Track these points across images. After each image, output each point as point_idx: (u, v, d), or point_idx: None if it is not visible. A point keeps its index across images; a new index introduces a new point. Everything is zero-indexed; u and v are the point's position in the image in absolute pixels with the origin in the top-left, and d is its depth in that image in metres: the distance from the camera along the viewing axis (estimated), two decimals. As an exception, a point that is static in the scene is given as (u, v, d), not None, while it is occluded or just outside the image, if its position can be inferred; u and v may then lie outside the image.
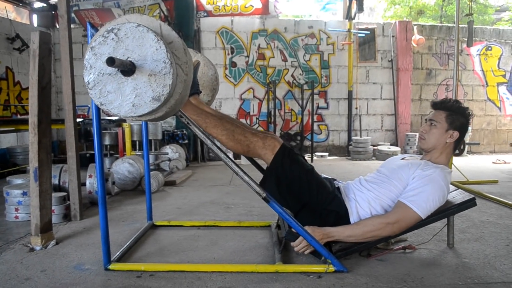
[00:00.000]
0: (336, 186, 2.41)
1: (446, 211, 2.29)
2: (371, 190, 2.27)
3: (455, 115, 2.27)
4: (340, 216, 2.19)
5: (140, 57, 1.63)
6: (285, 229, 2.27)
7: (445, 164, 2.29)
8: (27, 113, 7.19)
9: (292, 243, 2.19)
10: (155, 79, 1.62)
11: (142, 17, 1.74)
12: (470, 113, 2.31)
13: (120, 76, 1.64)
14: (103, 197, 2.12)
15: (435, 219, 2.25)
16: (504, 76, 8.61)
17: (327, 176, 2.50)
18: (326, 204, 2.20)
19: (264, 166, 2.41)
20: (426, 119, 2.40)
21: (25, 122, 5.23)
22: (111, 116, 5.49)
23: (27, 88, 7.34)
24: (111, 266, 2.13)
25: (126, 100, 1.65)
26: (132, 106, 1.66)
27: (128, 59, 1.62)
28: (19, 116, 7.08)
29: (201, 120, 2.23)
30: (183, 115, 2.04)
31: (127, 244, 2.48)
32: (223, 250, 2.48)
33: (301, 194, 2.21)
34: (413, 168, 2.20)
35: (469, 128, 2.45)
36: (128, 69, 1.60)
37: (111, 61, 1.48)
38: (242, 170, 2.04)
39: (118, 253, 2.30)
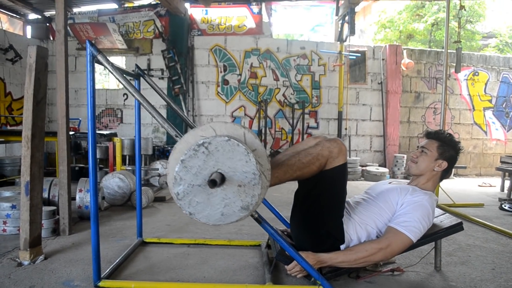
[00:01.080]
0: None
1: (434, 234, 2.33)
2: (357, 214, 2.30)
3: (447, 146, 2.36)
4: (335, 242, 2.21)
5: (230, 169, 1.66)
6: (275, 249, 2.29)
7: (431, 191, 2.36)
8: (17, 124, 7.16)
9: (286, 266, 2.20)
10: (244, 190, 1.66)
11: (226, 125, 1.77)
12: (461, 148, 2.40)
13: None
14: (95, 214, 2.12)
15: (424, 243, 2.30)
16: (490, 101, 8.80)
17: None
18: (333, 229, 2.20)
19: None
20: (418, 146, 2.47)
21: (15, 133, 5.21)
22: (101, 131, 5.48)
23: (18, 99, 7.35)
24: (101, 283, 2.13)
25: (215, 210, 1.68)
26: (221, 215, 1.69)
27: (218, 171, 1.66)
28: (9, 127, 7.03)
29: (272, 181, 2.09)
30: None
31: (117, 260, 2.47)
32: (213, 269, 2.49)
33: (326, 210, 2.20)
34: (403, 194, 2.25)
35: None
36: (219, 181, 1.63)
37: (213, 183, 1.57)
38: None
39: (108, 270, 2.29)
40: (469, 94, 8.71)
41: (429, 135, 2.46)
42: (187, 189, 1.67)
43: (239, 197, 1.67)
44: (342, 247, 2.19)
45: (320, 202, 2.20)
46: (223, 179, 1.65)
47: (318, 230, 2.20)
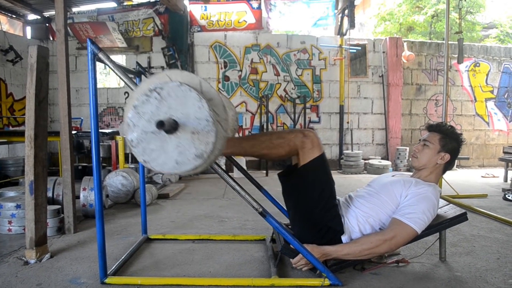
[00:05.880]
0: None
1: (439, 225, 2.33)
2: (359, 207, 2.30)
3: (449, 138, 2.36)
4: (336, 234, 2.21)
5: (183, 115, 1.63)
6: (280, 243, 2.30)
7: (435, 183, 2.36)
8: (19, 125, 7.17)
9: (291, 260, 2.21)
10: (198, 137, 1.63)
11: (182, 73, 1.75)
12: (463, 139, 2.40)
13: (163, 134, 1.63)
14: (100, 211, 2.13)
15: (428, 233, 2.30)
16: (492, 91, 8.77)
17: None
18: (329, 221, 2.21)
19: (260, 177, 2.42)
20: (420, 139, 2.47)
21: (17, 134, 5.24)
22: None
23: (20, 99, 7.36)
24: (107, 280, 2.14)
25: (170, 157, 1.66)
26: (175, 164, 1.66)
27: (171, 117, 1.63)
28: (11, 128, 7.04)
29: (237, 149, 2.22)
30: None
31: (123, 257, 2.48)
32: (218, 264, 2.50)
33: (317, 204, 2.22)
34: (407, 186, 2.25)
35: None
36: (172, 128, 1.61)
37: (161, 124, 1.53)
38: (238, 184, 2.06)
39: (114, 267, 2.30)
40: (471, 85, 8.69)
41: (431, 127, 2.46)
42: (141, 136, 1.65)
43: (193, 144, 1.63)
44: (343, 238, 2.20)
45: (309, 197, 2.22)
46: (176, 125, 1.62)
47: (315, 225, 2.22)
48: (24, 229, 2.85)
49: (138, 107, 1.65)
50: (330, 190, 2.26)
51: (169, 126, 1.59)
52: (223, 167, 6.92)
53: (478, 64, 8.66)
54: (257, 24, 7.89)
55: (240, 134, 7.90)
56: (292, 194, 2.30)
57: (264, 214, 2.05)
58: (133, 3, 8.06)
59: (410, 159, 2.49)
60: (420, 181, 2.30)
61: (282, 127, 8.08)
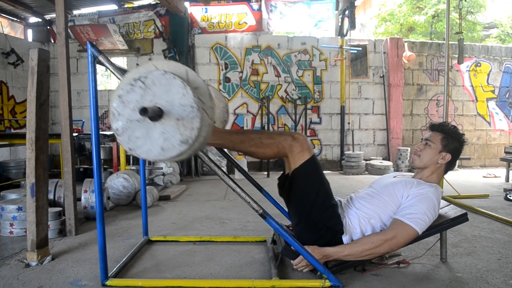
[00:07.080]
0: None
1: (439, 226, 2.33)
2: (360, 208, 2.31)
3: (450, 138, 2.36)
4: (336, 235, 2.21)
5: (168, 102, 1.64)
6: (281, 244, 2.30)
7: (436, 183, 2.36)
8: (21, 127, 7.19)
9: (292, 261, 2.22)
10: (183, 123, 1.64)
11: (169, 63, 1.77)
12: (465, 140, 2.40)
13: (148, 121, 1.64)
14: (101, 213, 2.13)
15: (429, 234, 2.30)
16: (493, 91, 8.76)
17: None
18: (328, 221, 2.21)
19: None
20: (422, 139, 2.47)
21: (19, 136, 5.24)
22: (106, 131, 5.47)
23: (21, 102, 7.38)
24: (108, 282, 2.14)
25: (155, 144, 1.67)
26: (161, 150, 1.67)
27: (156, 105, 1.64)
28: (12, 131, 7.06)
29: (226, 141, 2.23)
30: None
31: (124, 259, 2.49)
32: (219, 265, 2.50)
33: (312, 206, 2.22)
34: (408, 186, 2.25)
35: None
36: (156, 115, 1.62)
37: (144, 111, 1.53)
38: (238, 186, 2.06)
39: (115, 269, 2.31)
40: (472, 85, 8.68)
41: (433, 127, 2.46)
42: (126, 124, 1.66)
43: (178, 130, 1.64)
44: (344, 239, 2.20)
45: (305, 200, 2.23)
46: (160, 112, 1.63)
47: (314, 226, 2.22)
48: (25, 232, 2.86)
49: (122, 96, 1.66)
50: (325, 191, 2.27)
51: (153, 113, 1.59)
52: (224, 168, 6.92)
53: (479, 64, 8.65)
54: (258, 26, 7.91)
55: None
56: (289, 198, 2.32)
57: (264, 215, 2.05)
58: (134, 5, 8.08)
59: (412, 158, 2.49)
60: (422, 182, 2.31)
61: (283, 128, 8.08)
